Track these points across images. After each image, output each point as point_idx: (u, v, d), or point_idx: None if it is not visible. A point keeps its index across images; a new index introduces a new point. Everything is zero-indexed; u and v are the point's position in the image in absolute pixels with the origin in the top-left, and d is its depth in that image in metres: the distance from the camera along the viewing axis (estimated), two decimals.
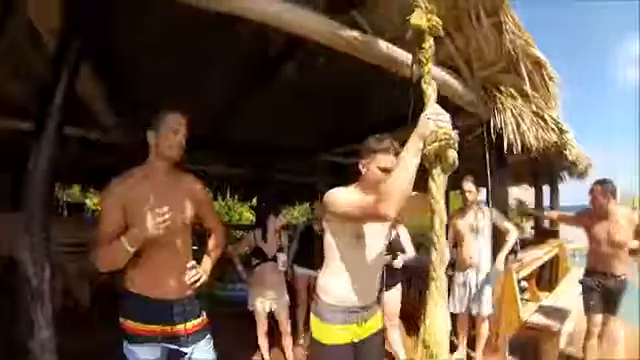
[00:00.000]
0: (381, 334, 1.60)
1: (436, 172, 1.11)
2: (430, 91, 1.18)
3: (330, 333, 1.43)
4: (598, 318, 2.85)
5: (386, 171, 1.35)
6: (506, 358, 2.98)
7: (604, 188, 2.76)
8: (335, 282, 1.45)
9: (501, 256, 2.90)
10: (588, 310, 2.91)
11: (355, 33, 1.76)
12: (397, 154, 1.30)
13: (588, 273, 2.97)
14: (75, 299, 3.72)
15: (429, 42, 1.20)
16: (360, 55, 1.86)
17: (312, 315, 1.51)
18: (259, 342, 2.89)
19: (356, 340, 1.45)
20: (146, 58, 2.51)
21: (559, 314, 3.29)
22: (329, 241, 1.48)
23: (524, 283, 5.04)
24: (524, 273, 3.71)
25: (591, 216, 2.90)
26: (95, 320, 3.18)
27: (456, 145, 1.09)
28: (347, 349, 1.44)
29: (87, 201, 10.14)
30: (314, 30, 1.68)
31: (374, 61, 1.94)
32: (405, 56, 1.99)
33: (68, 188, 8.80)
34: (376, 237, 1.49)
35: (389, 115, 3.39)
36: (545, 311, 3.37)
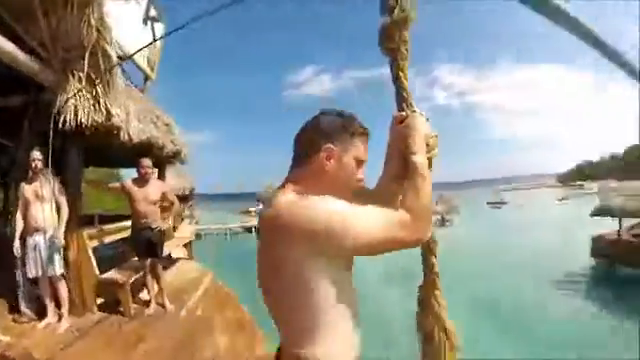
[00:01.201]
0: None
1: None
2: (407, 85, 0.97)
3: None
4: (147, 262, 3.79)
5: (361, 164, 0.92)
6: (95, 313, 3.54)
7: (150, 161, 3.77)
8: (334, 343, 0.82)
9: (61, 227, 3.20)
10: (139, 256, 3.84)
11: None
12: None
13: (136, 228, 3.79)
14: None
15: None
16: None
17: None
18: None
19: None
20: None
21: (133, 268, 3.96)
22: (312, 287, 0.80)
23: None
24: (110, 239, 4.37)
25: (133, 183, 3.74)
26: None
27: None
28: None
29: None
30: None
31: None
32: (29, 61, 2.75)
33: None
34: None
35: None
36: (121, 268, 4.03)
